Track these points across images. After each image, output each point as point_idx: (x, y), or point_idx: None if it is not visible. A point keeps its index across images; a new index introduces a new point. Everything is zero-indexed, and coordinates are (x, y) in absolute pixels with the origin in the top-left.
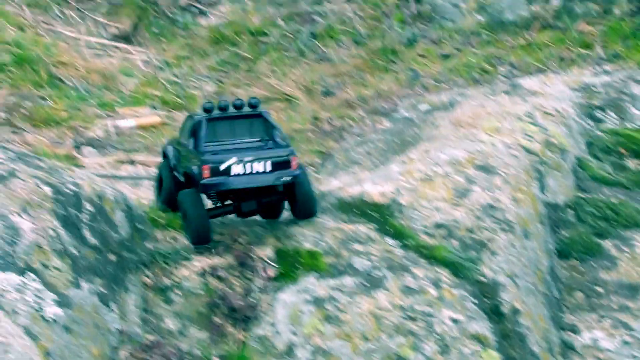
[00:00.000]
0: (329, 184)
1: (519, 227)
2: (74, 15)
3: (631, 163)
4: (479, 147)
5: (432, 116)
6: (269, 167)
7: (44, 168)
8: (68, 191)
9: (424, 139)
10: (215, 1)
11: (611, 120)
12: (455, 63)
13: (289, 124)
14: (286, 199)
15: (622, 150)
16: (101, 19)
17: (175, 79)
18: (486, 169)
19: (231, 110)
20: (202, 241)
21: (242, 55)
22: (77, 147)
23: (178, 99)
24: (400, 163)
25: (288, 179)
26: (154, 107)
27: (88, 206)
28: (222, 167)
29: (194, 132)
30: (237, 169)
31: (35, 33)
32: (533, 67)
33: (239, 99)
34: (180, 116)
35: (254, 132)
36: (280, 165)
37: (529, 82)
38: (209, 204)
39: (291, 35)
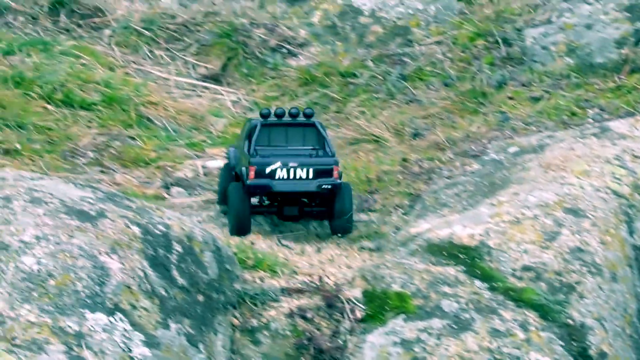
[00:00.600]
0: (418, 226)
1: (607, 270)
2: (164, 55)
3: None
4: (568, 190)
5: (521, 159)
6: (311, 175)
7: (133, 208)
8: (157, 231)
9: (513, 181)
10: (305, 42)
11: None
12: (544, 105)
13: (378, 166)
14: (327, 210)
15: None
16: (191, 59)
17: None
18: (575, 211)
19: (287, 117)
20: (239, 232)
21: (332, 96)
22: (166, 187)
23: None
24: (489, 205)
25: (328, 186)
26: None
27: (177, 247)
28: (268, 170)
29: (250, 135)
30: (281, 174)
31: (124, 73)
32: (622, 110)
33: (294, 108)
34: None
35: (306, 141)
36: (322, 173)
37: (618, 125)
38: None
39: (380, 77)
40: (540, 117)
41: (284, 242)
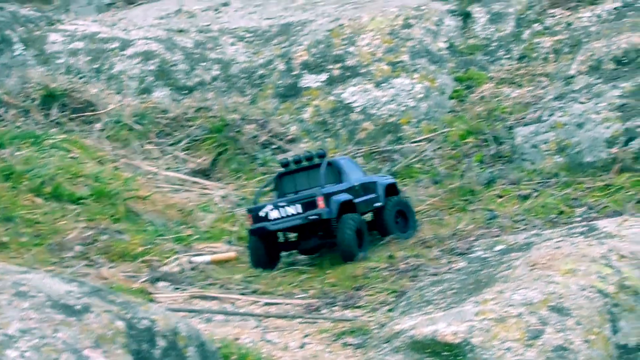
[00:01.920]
0: (402, 323)
1: None
2: (154, 150)
3: None
4: (553, 289)
5: (507, 257)
6: (299, 209)
7: (118, 302)
8: (141, 326)
9: (498, 279)
10: (296, 138)
11: None
12: (532, 204)
13: (364, 263)
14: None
15: None
16: (181, 154)
17: None
18: (559, 310)
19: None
20: (256, 266)
21: None
22: (152, 281)
23: None
24: (474, 303)
25: (314, 217)
26: (230, 243)
27: (161, 341)
28: (261, 213)
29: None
30: (274, 214)
31: (114, 167)
32: (610, 210)
33: (308, 151)
34: None
35: (312, 181)
36: (308, 205)
37: (605, 224)
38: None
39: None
40: (528, 215)
41: (267, 337)
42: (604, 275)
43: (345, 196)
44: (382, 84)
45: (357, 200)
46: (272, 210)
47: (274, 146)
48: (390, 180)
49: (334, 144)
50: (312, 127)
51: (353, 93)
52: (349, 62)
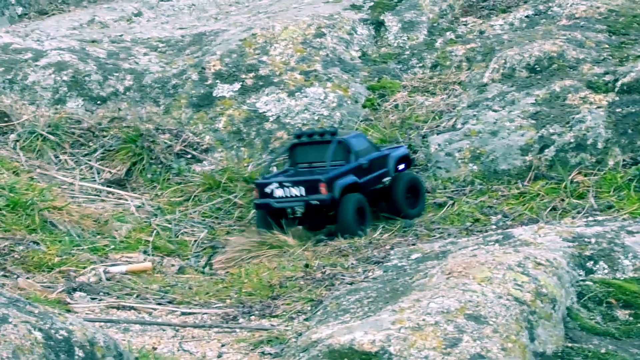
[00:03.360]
0: (319, 332)
1: None
2: (69, 160)
3: (621, 313)
4: (470, 297)
5: (423, 265)
6: (303, 192)
7: (36, 313)
8: (59, 337)
9: (415, 288)
10: (210, 148)
11: (602, 271)
12: (448, 212)
13: (281, 272)
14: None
15: (613, 301)
16: (96, 165)
17: (168, 225)
18: (476, 318)
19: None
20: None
21: (235, 201)
22: (69, 292)
23: (170, 245)
24: (391, 312)
25: (316, 202)
26: (146, 253)
27: (79, 352)
28: (267, 189)
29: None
30: (278, 192)
31: (29, 177)
32: (525, 217)
33: (321, 127)
34: (173, 262)
35: (323, 155)
36: (311, 189)
37: (521, 232)
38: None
39: None
40: (444, 223)
41: (185, 346)
42: (520, 283)
43: (349, 179)
44: (296, 93)
45: (363, 180)
46: (277, 188)
47: (188, 156)
48: (401, 152)
49: (248, 153)
50: (226, 137)
51: (266, 102)
52: (262, 72)
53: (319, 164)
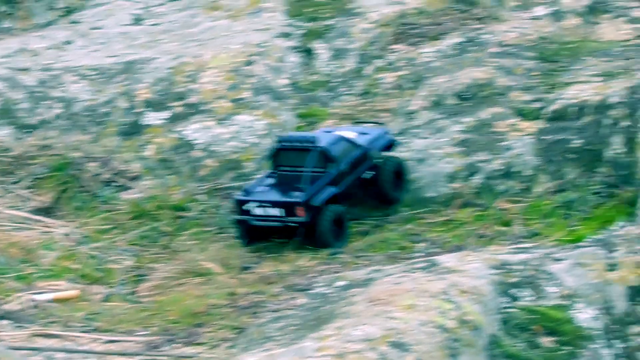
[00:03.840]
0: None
1: None
2: None
3: (545, 340)
4: (394, 324)
5: (348, 292)
6: (281, 212)
7: None
8: None
9: (338, 315)
10: (138, 176)
11: (527, 298)
12: (373, 239)
13: (206, 299)
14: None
15: (537, 328)
16: (23, 192)
17: (95, 253)
18: (399, 345)
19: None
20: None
21: (162, 229)
22: None
23: (96, 273)
24: (314, 339)
25: (293, 225)
26: (73, 281)
27: None
28: (245, 207)
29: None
30: (257, 211)
31: None
32: (452, 244)
33: (303, 136)
34: (101, 290)
35: (305, 161)
36: (289, 211)
37: (446, 260)
38: None
39: (212, 211)
40: (370, 250)
41: None
42: (444, 310)
43: (327, 193)
44: (224, 121)
45: (343, 187)
46: (256, 207)
47: (116, 184)
48: (382, 142)
49: (177, 181)
50: (154, 165)
51: (195, 130)
52: (191, 100)
53: (300, 169)
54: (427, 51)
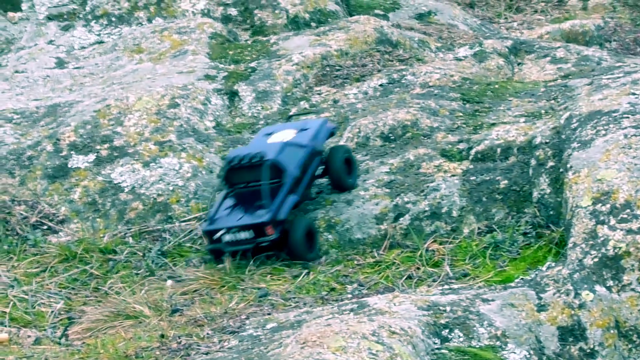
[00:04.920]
0: None
1: None
2: None
3: None
4: None
5: (279, 334)
6: (251, 234)
7: None
8: None
9: (270, 357)
10: (66, 219)
11: (457, 339)
12: (303, 281)
13: (136, 342)
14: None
15: None
16: None
17: (25, 296)
18: None
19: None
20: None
21: (92, 272)
22: None
23: (27, 316)
24: None
25: (265, 243)
26: (2, 324)
27: None
28: (215, 236)
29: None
30: (227, 237)
31: None
32: (381, 286)
33: (250, 154)
34: (30, 333)
35: (259, 176)
36: (259, 232)
37: (376, 301)
38: None
39: (140, 253)
40: (300, 292)
41: None
42: (375, 352)
43: (289, 203)
44: (150, 164)
45: (301, 193)
46: (224, 234)
47: (44, 227)
48: (327, 130)
49: (104, 224)
50: (81, 208)
51: (121, 173)
52: (117, 142)
53: (255, 184)
54: (352, 92)
